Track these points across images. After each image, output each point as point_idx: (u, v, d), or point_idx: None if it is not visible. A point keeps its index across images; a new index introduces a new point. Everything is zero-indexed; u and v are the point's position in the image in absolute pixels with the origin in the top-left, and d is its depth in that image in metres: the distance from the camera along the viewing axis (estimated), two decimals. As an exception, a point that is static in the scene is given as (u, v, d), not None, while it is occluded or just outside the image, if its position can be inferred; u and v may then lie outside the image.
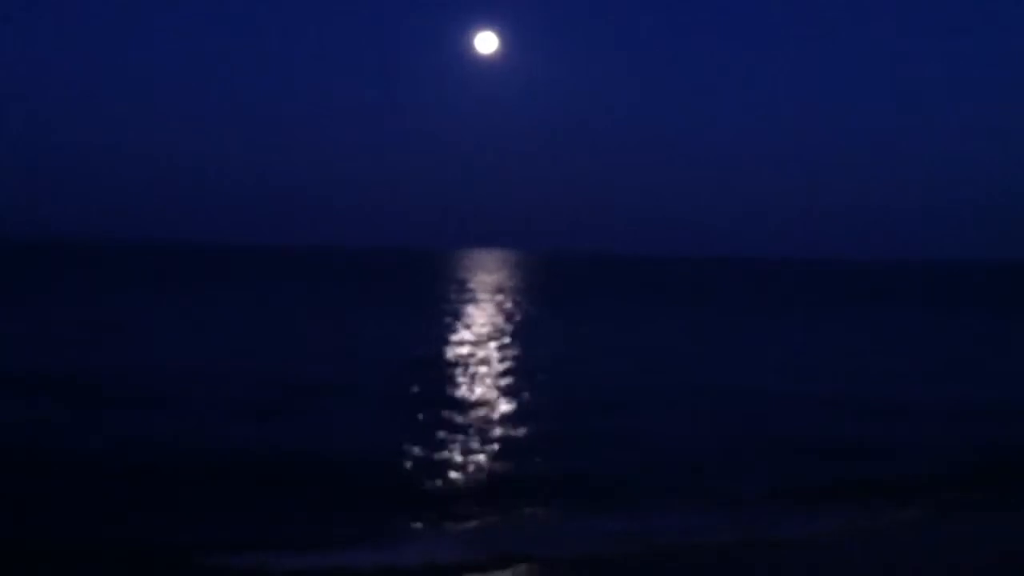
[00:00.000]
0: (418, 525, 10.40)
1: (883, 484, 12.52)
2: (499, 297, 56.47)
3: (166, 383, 18.85)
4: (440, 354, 25.41)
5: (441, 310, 43.05)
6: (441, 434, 14.69)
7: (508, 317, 40.41)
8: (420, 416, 16.12)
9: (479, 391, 19.22)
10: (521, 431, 15.31)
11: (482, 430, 15.23)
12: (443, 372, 21.84)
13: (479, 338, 30.21)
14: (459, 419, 16.03)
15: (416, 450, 13.58)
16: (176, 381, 19.06)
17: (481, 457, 13.44)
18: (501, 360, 24.45)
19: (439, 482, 12.15)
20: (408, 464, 12.94)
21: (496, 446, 14.14)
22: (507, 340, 29.72)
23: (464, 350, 26.56)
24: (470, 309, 44.84)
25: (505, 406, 17.54)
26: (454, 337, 30.45)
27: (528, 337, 30.94)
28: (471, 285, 73.60)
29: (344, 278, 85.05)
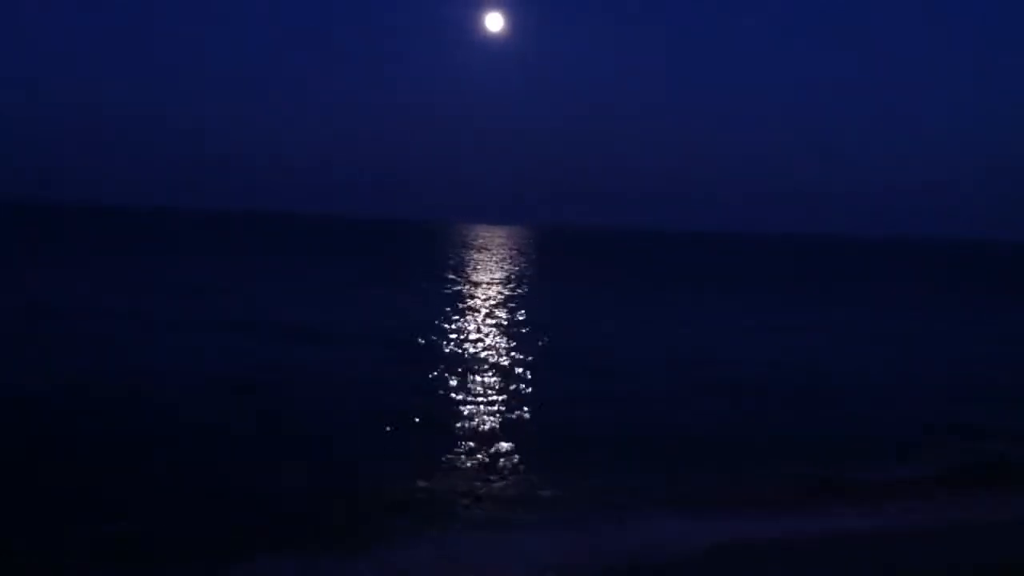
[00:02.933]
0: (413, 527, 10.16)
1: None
2: (502, 274, 56.24)
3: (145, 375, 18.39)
4: (440, 336, 25.08)
5: (442, 287, 42.86)
6: (439, 427, 14.50)
7: (510, 295, 40.25)
8: (417, 408, 15.80)
9: (479, 376, 18.90)
10: (518, 422, 15.10)
11: (479, 419, 15.04)
12: (442, 357, 21.55)
13: (480, 316, 29.95)
14: (455, 410, 15.84)
15: (414, 444, 13.45)
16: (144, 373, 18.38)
17: (480, 455, 13.21)
18: (503, 345, 24.15)
19: (436, 483, 11.85)
20: (408, 462, 12.63)
21: (491, 441, 13.84)
22: (509, 320, 29.47)
23: (465, 330, 26.22)
24: (471, 286, 44.64)
25: (502, 397, 17.25)
26: (455, 316, 30.08)
27: (530, 317, 30.58)
28: (473, 261, 73.33)
29: (347, 251, 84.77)
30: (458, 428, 14.50)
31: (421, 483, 11.55)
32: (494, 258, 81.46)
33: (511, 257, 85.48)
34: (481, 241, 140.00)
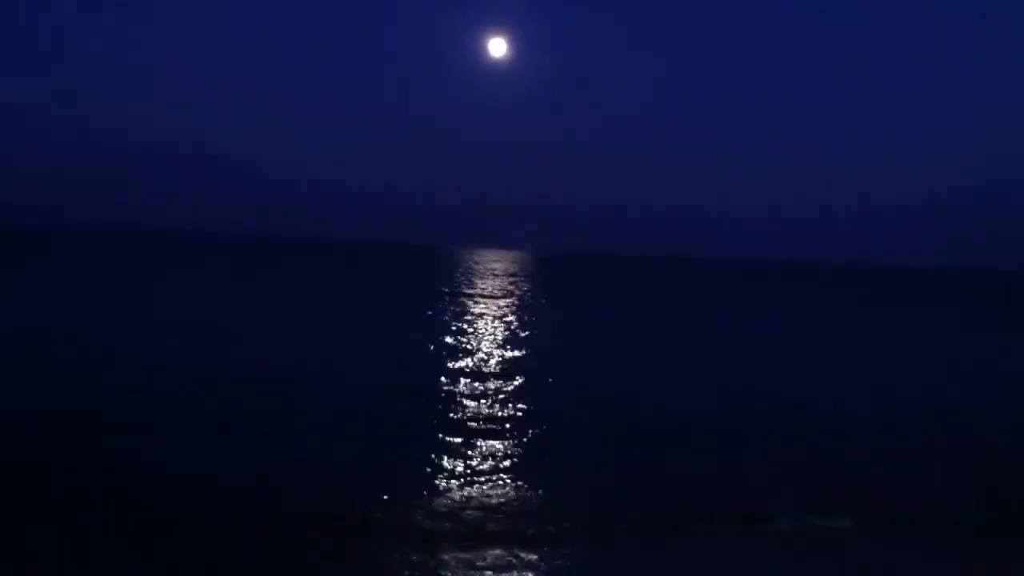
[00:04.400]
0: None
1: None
2: (507, 296, 56.20)
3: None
4: (443, 356, 24.83)
5: (446, 308, 42.84)
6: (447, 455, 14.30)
7: (514, 317, 40.11)
8: (418, 428, 15.59)
9: (481, 397, 18.69)
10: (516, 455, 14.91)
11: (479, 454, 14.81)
12: (444, 376, 21.30)
13: (485, 337, 29.78)
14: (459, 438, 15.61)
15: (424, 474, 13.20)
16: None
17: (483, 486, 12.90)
18: (506, 362, 23.88)
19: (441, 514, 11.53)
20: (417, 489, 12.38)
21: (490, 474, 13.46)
22: (514, 340, 29.22)
23: (468, 351, 25.97)
24: (476, 308, 44.54)
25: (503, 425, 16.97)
26: (459, 337, 29.85)
27: (535, 338, 30.42)
28: (477, 284, 73.38)
29: (349, 272, 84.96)
30: (459, 448, 14.32)
31: (421, 506, 11.37)
32: (498, 281, 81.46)
33: (515, 280, 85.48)
34: (485, 265, 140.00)
